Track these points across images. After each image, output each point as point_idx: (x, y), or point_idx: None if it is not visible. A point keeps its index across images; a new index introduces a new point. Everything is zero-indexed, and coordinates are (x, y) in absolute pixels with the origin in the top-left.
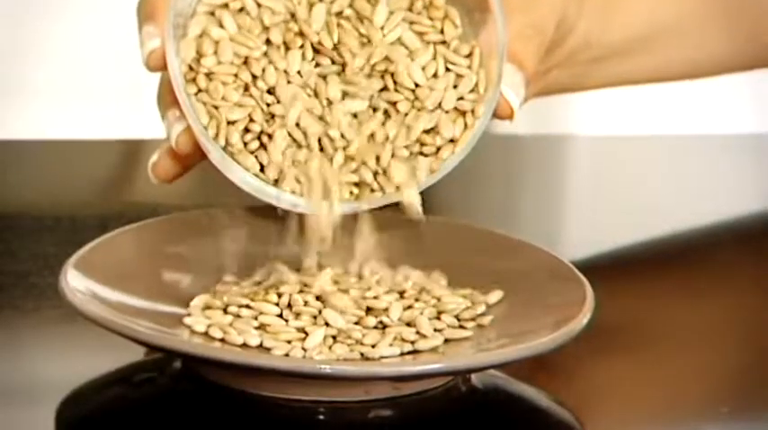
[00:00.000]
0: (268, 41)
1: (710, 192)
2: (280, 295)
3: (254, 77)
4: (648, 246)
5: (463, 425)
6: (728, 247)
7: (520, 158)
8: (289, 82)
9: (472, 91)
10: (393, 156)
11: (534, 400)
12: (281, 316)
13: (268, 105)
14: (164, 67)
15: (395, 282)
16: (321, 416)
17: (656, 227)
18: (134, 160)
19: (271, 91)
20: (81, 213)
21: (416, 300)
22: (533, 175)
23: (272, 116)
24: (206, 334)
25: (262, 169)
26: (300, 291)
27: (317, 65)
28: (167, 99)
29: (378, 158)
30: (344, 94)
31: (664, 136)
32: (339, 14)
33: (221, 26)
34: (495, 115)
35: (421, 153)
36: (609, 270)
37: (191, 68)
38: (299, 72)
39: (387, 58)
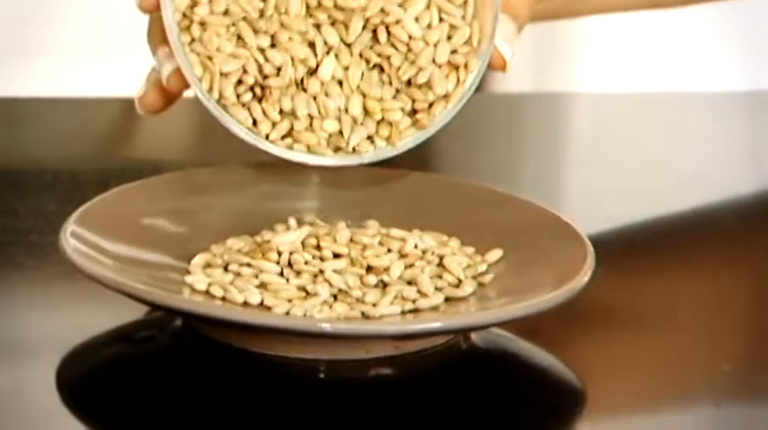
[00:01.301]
0: None
1: (708, 150)
2: (280, 254)
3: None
4: (651, 217)
5: (464, 383)
6: (726, 219)
7: (522, 116)
8: (290, 38)
9: (465, 43)
10: (383, 117)
11: (535, 359)
12: (281, 274)
13: (264, 57)
14: (157, 9)
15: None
16: (321, 375)
17: (655, 182)
18: (135, 117)
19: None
20: (82, 170)
21: (420, 258)
22: (535, 133)
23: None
24: (207, 292)
25: (255, 122)
26: (303, 248)
27: (311, 15)
28: (158, 37)
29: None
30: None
31: (664, 93)
32: None
33: None
34: (488, 67)
35: (413, 110)
36: (611, 232)
37: (184, 15)
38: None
39: (382, 11)
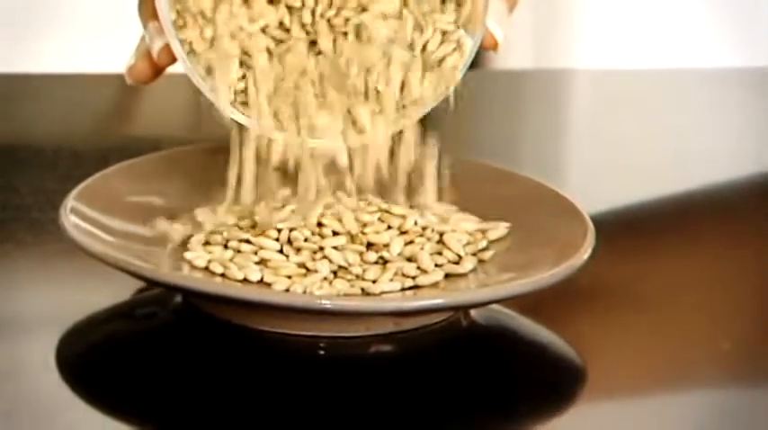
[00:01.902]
0: None
1: (706, 126)
2: (279, 231)
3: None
4: (651, 193)
5: (464, 360)
6: (726, 197)
7: (522, 93)
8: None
9: (455, 48)
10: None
11: (535, 335)
12: (281, 251)
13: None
14: None
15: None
16: (321, 352)
17: (655, 158)
18: (135, 94)
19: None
20: (82, 147)
21: (420, 235)
22: (535, 110)
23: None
24: (207, 269)
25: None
26: (302, 226)
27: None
28: (148, 11)
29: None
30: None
31: (662, 69)
32: None
33: None
34: (480, 47)
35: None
36: (611, 208)
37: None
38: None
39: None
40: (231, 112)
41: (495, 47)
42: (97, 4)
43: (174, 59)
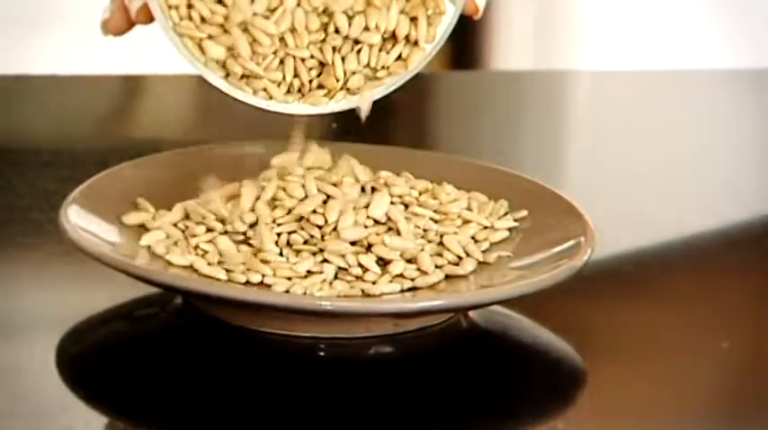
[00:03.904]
0: None
1: (705, 126)
2: (279, 234)
3: None
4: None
5: (464, 361)
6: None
7: (522, 94)
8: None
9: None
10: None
11: (535, 336)
12: (281, 254)
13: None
14: None
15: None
16: (321, 353)
17: (655, 159)
18: (135, 96)
19: None
20: (82, 149)
21: (420, 236)
22: (535, 111)
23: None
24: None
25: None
26: (301, 228)
27: None
28: None
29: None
30: None
31: (665, 71)
32: None
33: None
34: (462, 14)
35: (375, 70)
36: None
37: None
38: None
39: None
40: (208, 74)
41: (475, 12)
42: (97, 5)
43: (151, 19)
